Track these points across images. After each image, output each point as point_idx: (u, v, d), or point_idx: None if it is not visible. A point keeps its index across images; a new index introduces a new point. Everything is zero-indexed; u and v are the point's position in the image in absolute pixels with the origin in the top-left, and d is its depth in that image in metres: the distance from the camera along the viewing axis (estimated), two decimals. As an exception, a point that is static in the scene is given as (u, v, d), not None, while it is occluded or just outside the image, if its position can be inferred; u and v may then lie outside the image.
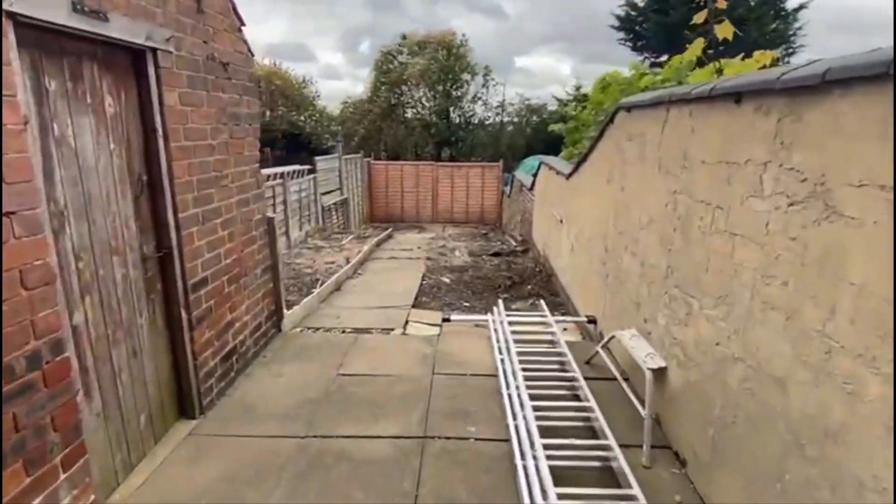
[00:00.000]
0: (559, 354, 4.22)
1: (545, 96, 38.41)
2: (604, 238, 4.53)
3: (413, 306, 6.02)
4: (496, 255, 8.96)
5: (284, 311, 4.77)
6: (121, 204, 2.71)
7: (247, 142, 4.00)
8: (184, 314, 3.20)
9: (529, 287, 6.93)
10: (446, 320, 4.82)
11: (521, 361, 3.95)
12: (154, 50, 2.82)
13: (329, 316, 5.54)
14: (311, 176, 11.31)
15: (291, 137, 20.88)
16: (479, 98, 22.73)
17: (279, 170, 9.50)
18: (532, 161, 17.56)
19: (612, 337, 3.73)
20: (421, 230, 16.68)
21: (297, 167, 10.50)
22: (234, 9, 3.76)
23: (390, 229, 12.37)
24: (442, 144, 22.43)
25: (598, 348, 3.88)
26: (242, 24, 3.88)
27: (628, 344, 3.44)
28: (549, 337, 4.56)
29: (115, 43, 2.56)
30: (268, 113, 20.49)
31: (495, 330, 4.62)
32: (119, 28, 2.51)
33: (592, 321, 4.73)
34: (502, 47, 43.14)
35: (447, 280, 7.36)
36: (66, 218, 2.32)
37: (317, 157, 11.77)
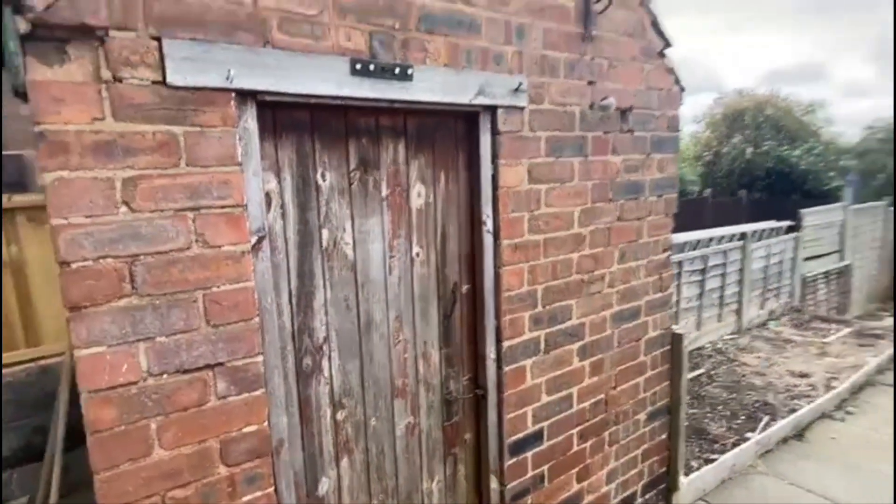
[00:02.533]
0: None
1: None
2: None
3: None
4: None
5: (681, 476, 3.03)
6: (419, 328, 1.95)
7: (648, 223, 2.60)
8: (495, 484, 2.18)
9: None
10: None
11: None
12: (492, 109, 1.92)
13: (766, 501, 3.29)
14: (792, 235, 8.29)
15: (778, 176, 17.00)
16: None
17: (740, 229, 7.27)
18: None
19: None
20: None
21: (768, 224, 7.86)
22: (655, 23, 2.45)
23: (930, 330, 7.53)
24: None
25: None
26: (668, 44, 2.52)
27: None
28: None
29: (431, 110, 1.79)
30: (749, 151, 17.48)
31: None
32: (432, 87, 1.71)
33: None
34: None
35: None
36: (326, 354, 1.71)
37: (804, 210, 8.53)
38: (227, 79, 1.30)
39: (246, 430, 1.48)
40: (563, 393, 2.35)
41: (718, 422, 4.41)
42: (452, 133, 1.93)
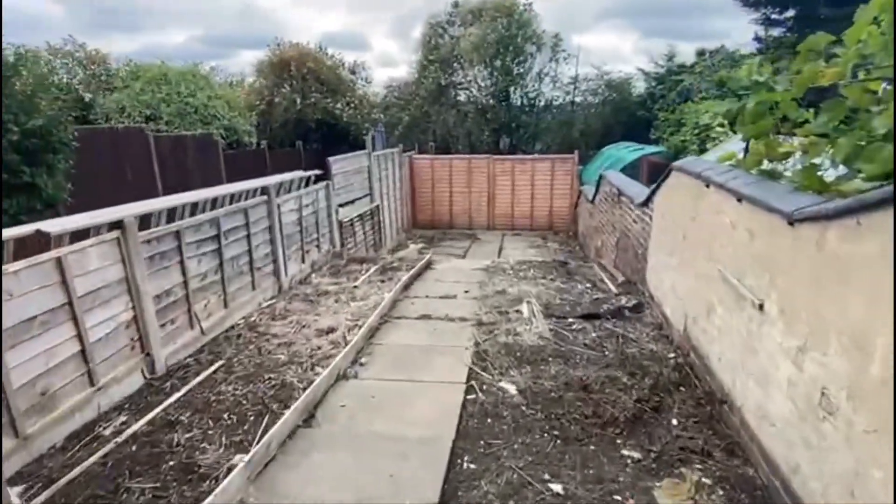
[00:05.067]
0: None
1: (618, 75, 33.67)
2: None
3: (442, 502, 2.80)
4: (591, 318, 5.52)
5: None
6: None
7: None
8: None
9: (675, 422, 3.51)
10: None
11: None
12: None
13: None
14: (323, 184, 8.29)
15: (327, 128, 18.13)
16: (546, 74, 18.92)
17: (259, 183, 6.48)
18: (618, 152, 13.68)
19: None
20: (473, 241, 13.40)
21: (292, 175, 7.47)
22: None
23: (428, 255, 9.11)
24: (500, 131, 18.92)
25: None
26: None
27: None
28: None
29: None
30: (298, 101, 17.82)
31: None
32: None
33: None
34: (558, 25, 38.70)
35: (513, 391, 4.04)
36: None
37: (331, 159, 8.74)
38: None
39: None
40: None
41: (217, 441, 3.39)
42: None
